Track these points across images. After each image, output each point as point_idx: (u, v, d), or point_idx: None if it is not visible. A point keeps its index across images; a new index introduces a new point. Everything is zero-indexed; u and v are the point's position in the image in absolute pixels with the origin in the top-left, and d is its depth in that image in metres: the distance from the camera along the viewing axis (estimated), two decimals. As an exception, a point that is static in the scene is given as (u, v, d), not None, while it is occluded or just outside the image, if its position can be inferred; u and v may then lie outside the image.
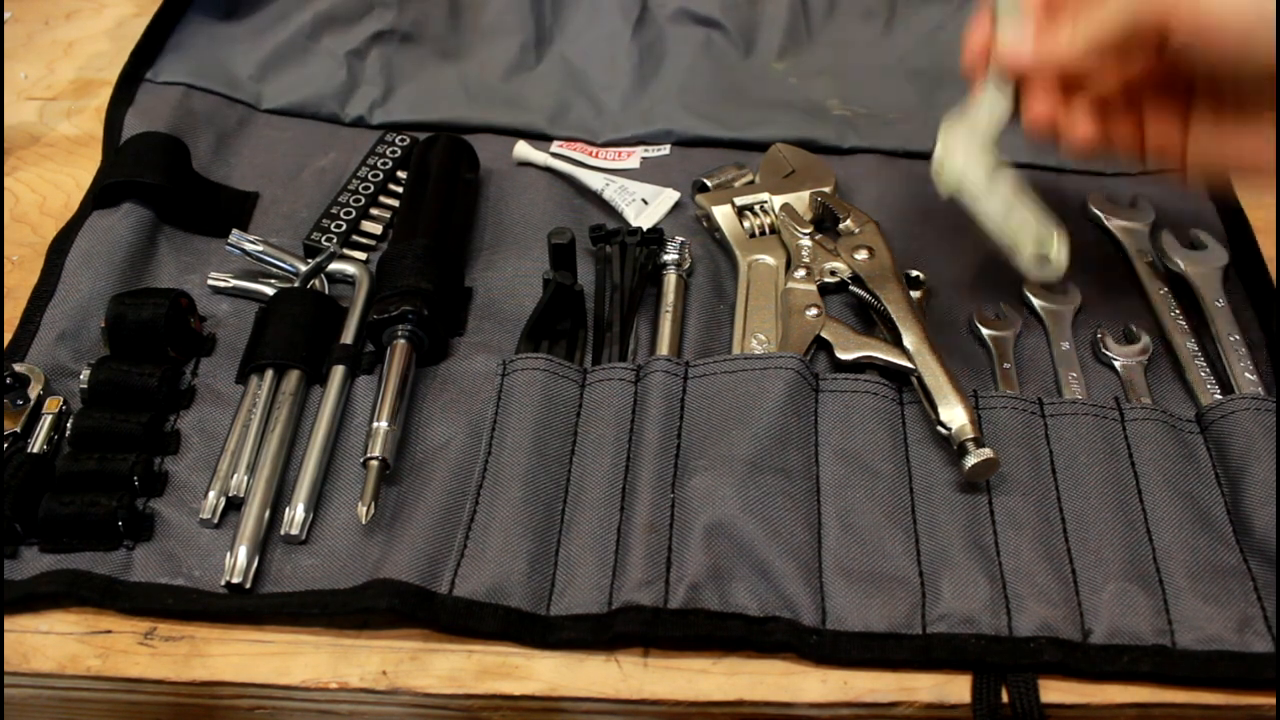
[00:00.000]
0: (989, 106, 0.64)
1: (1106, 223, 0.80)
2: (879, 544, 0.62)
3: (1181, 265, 0.76)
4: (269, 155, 0.89)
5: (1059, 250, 0.59)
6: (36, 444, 0.66)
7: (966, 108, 0.65)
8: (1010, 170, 0.61)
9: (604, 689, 0.58)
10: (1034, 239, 0.59)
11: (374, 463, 0.64)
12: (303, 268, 0.76)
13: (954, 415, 0.64)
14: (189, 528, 0.64)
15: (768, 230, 0.80)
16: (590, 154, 0.89)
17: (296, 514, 0.63)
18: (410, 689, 0.58)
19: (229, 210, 0.83)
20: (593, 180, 0.86)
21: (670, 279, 0.76)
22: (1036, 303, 0.76)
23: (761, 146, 0.87)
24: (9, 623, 0.60)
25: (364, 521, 0.62)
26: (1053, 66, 0.62)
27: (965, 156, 0.62)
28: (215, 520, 0.64)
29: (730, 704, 0.58)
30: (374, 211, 0.84)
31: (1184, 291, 0.77)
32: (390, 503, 0.65)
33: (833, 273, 0.75)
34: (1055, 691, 0.58)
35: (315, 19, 0.97)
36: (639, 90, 0.95)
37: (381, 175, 0.86)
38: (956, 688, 0.58)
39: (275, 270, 0.77)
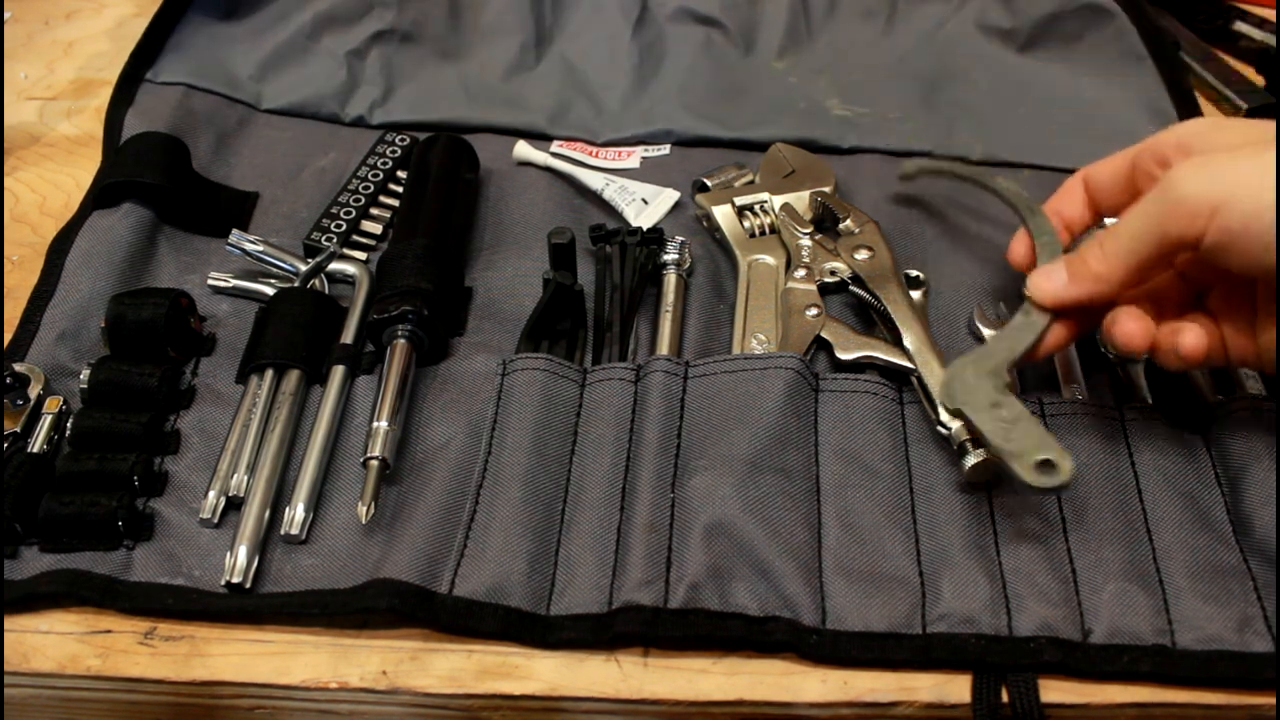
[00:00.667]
0: (1010, 337, 0.64)
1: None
2: (879, 544, 0.62)
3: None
4: (269, 155, 0.89)
5: (1063, 458, 0.58)
6: (36, 444, 0.66)
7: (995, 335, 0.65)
8: (1015, 397, 0.62)
9: (604, 689, 0.58)
10: (1036, 448, 0.59)
11: (374, 462, 0.64)
12: (303, 268, 0.76)
13: (954, 415, 0.65)
14: (189, 528, 0.64)
15: (768, 230, 0.80)
16: (590, 154, 0.89)
17: (296, 514, 0.63)
18: (410, 689, 0.58)
19: (229, 210, 0.83)
20: (593, 180, 0.86)
21: (670, 279, 0.76)
22: (1036, 303, 0.76)
23: (761, 146, 0.87)
24: (9, 623, 0.60)
25: (364, 521, 0.62)
26: (1087, 296, 0.62)
27: (971, 383, 0.62)
28: (215, 520, 0.64)
29: (730, 704, 0.58)
30: (374, 211, 0.84)
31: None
32: (390, 503, 0.65)
33: (833, 273, 0.75)
34: (1055, 691, 0.58)
35: (315, 19, 0.97)
36: (639, 90, 0.95)
37: (381, 175, 0.86)
38: (956, 688, 0.58)
39: (275, 270, 0.77)
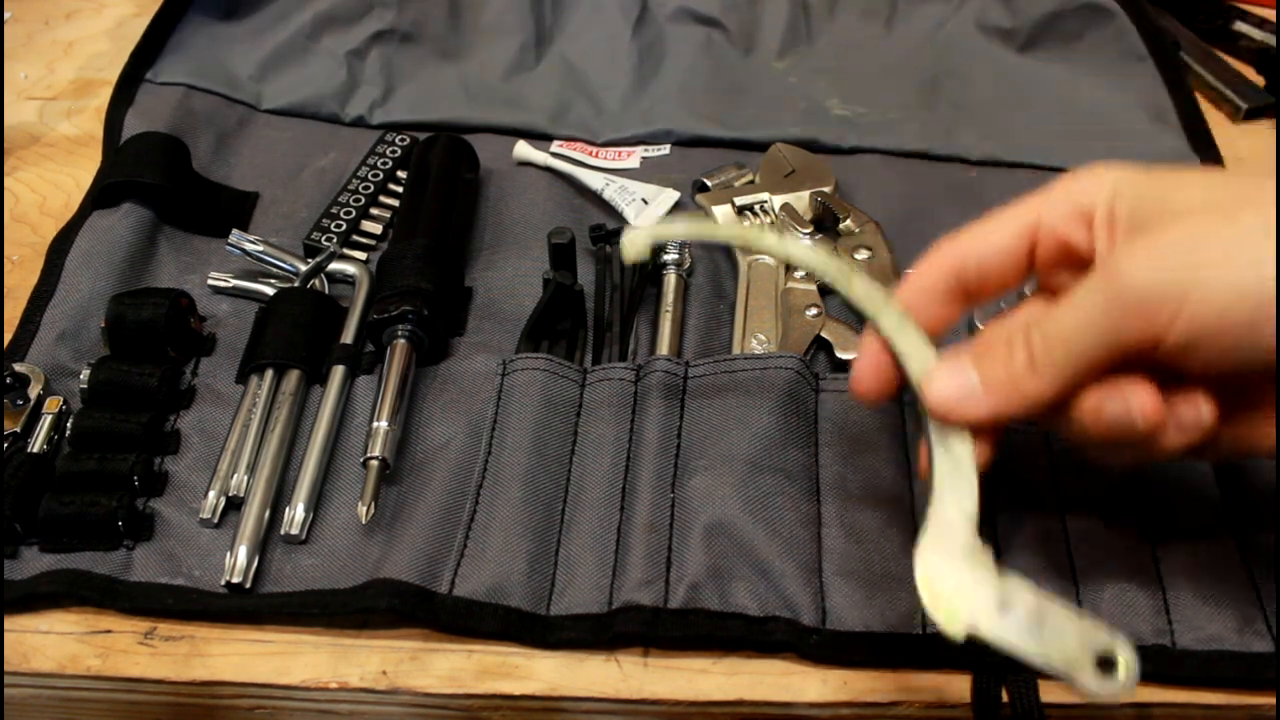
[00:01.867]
0: (955, 492, 0.49)
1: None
2: (879, 544, 0.62)
3: None
4: (269, 155, 0.89)
5: (1126, 653, 0.45)
6: (36, 444, 0.66)
7: (926, 504, 0.50)
8: (1014, 576, 0.48)
9: (604, 689, 0.58)
10: (1088, 647, 0.45)
11: (374, 462, 0.64)
12: (303, 268, 0.76)
13: (954, 415, 0.64)
14: (189, 528, 0.64)
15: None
16: (590, 154, 0.89)
17: (296, 514, 0.63)
18: (410, 689, 0.58)
19: (229, 210, 0.83)
20: (593, 180, 0.86)
21: (670, 279, 0.76)
22: (1036, 303, 0.76)
23: (761, 146, 0.87)
24: (9, 623, 0.60)
25: (364, 521, 0.62)
26: (1009, 414, 0.49)
27: (958, 583, 0.47)
28: (215, 520, 0.64)
29: (730, 704, 0.58)
30: (374, 211, 0.84)
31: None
32: (390, 503, 0.65)
33: (833, 273, 0.75)
34: (1055, 691, 0.57)
35: (315, 19, 0.97)
36: (639, 90, 0.95)
37: (381, 175, 0.86)
38: (956, 688, 0.58)
39: (275, 270, 0.77)
